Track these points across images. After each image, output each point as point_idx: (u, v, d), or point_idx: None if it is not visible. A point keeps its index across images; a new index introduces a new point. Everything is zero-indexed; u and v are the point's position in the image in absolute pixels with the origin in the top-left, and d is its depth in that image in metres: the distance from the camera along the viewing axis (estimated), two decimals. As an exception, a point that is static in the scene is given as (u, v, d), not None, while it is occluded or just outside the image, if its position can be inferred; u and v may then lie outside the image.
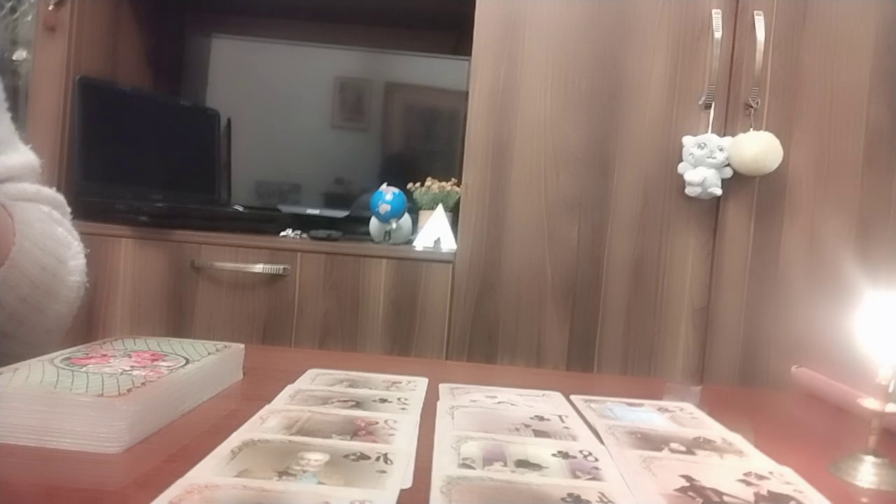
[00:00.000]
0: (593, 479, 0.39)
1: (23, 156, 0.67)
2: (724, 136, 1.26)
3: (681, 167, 1.26)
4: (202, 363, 0.50)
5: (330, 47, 1.64)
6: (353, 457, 0.39)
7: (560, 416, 0.51)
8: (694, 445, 0.47)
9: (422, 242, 1.37)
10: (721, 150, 1.23)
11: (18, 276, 0.57)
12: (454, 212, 1.39)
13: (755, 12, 1.25)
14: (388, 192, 1.35)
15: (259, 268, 1.28)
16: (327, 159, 1.65)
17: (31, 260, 0.58)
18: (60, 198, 0.70)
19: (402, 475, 0.37)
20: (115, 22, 1.53)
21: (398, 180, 1.43)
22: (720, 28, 1.25)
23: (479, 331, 1.29)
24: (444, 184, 1.45)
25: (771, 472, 0.42)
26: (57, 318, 0.63)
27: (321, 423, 0.45)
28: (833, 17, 1.27)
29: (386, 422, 0.47)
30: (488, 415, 0.51)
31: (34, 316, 0.60)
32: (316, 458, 0.39)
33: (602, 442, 0.46)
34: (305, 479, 0.36)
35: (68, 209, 0.72)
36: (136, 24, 1.62)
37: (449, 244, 1.36)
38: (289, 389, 0.54)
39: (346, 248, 1.30)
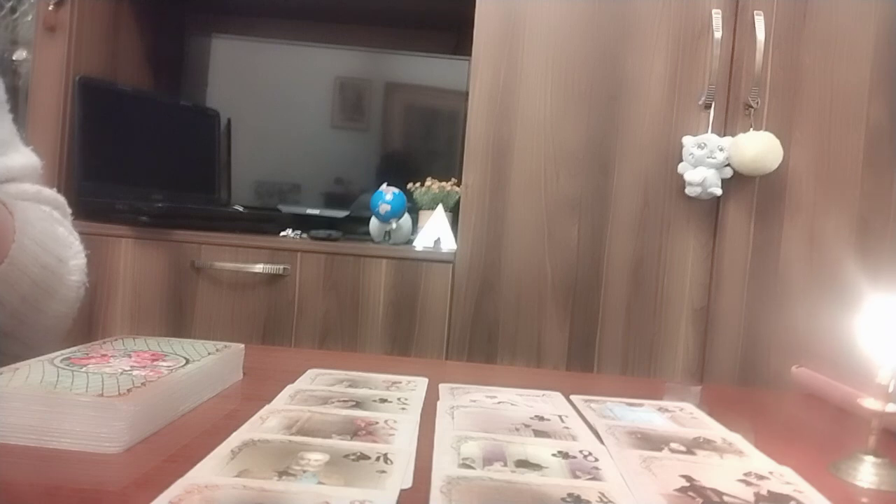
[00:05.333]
0: (593, 479, 0.39)
1: (24, 157, 0.67)
2: (724, 136, 1.26)
3: (681, 167, 1.26)
4: (202, 363, 0.50)
5: (330, 47, 1.64)
6: (353, 457, 0.39)
7: (560, 416, 0.51)
8: (694, 445, 0.47)
9: (422, 242, 1.37)
10: (721, 150, 1.23)
11: (18, 273, 0.57)
12: (454, 212, 1.39)
13: (755, 12, 1.25)
14: (388, 192, 1.35)
15: (259, 268, 1.28)
16: (327, 159, 1.65)
17: (31, 258, 0.58)
18: (61, 199, 0.70)
19: (402, 475, 0.37)
20: (115, 22, 1.53)
21: (398, 180, 1.43)
22: (720, 28, 1.25)
23: (479, 331, 1.29)
24: (444, 184, 1.45)
25: (771, 472, 0.42)
26: (56, 317, 0.63)
27: (321, 423, 0.45)
28: (833, 17, 1.27)
29: (386, 422, 0.47)
30: (488, 415, 0.51)
31: (34, 315, 0.60)
32: (316, 458, 0.39)
33: (602, 442, 0.46)
34: (305, 479, 0.36)
35: (69, 210, 0.72)
36: (136, 24, 1.62)
37: (449, 244, 1.36)
38: (289, 389, 0.54)
39: (346, 248, 1.30)
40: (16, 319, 0.59)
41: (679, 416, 0.55)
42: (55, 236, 0.63)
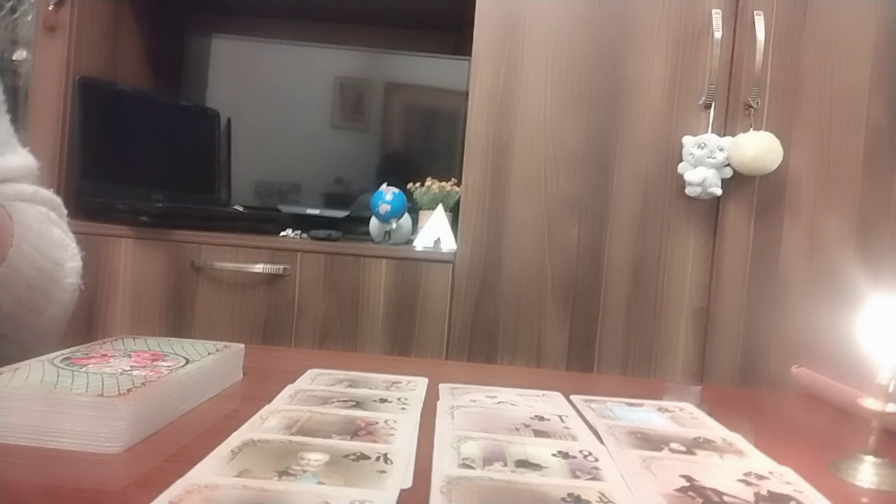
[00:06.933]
0: (593, 479, 0.39)
1: (21, 158, 0.67)
2: (724, 136, 1.26)
3: (681, 167, 1.26)
4: (202, 363, 0.50)
5: (330, 47, 1.64)
6: (353, 457, 0.39)
7: (560, 416, 0.51)
8: (694, 445, 0.47)
9: (422, 242, 1.37)
10: (721, 150, 1.23)
11: (14, 276, 0.57)
12: (454, 212, 1.39)
13: (755, 12, 1.25)
14: (388, 192, 1.35)
15: (259, 268, 1.28)
16: (327, 159, 1.65)
17: (27, 261, 0.58)
18: (57, 200, 0.70)
19: (402, 475, 0.37)
20: (115, 22, 1.53)
21: (398, 180, 1.43)
22: (720, 28, 1.25)
23: (479, 331, 1.29)
24: (444, 184, 1.45)
25: (771, 472, 0.42)
26: (52, 320, 0.63)
27: (321, 423, 0.45)
28: (833, 17, 1.27)
29: (386, 422, 0.47)
30: (488, 415, 0.51)
31: (30, 318, 0.60)
32: (316, 458, 0.39)
33: (602, 442, 0.46)
34: (305, 479, 0.36)
35: (65, 211, 0.71)
36: (136, 24, 1.62)
37: (449, 244, 1.36)
38: (289, 389, 0.54)
39: (346, 248, 1.30)
40: (12, 322, 0.59)
41: (679, 416, 0.55)
42: (52, 239, 0.63)
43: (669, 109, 1.28)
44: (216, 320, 1.29)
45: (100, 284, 1.27)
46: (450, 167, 1.56)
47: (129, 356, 0.50)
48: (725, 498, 0.37)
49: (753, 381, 1.28)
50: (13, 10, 1.47)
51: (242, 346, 0.58)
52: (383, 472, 0.37)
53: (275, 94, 1.64)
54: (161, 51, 1.71)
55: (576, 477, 0.39)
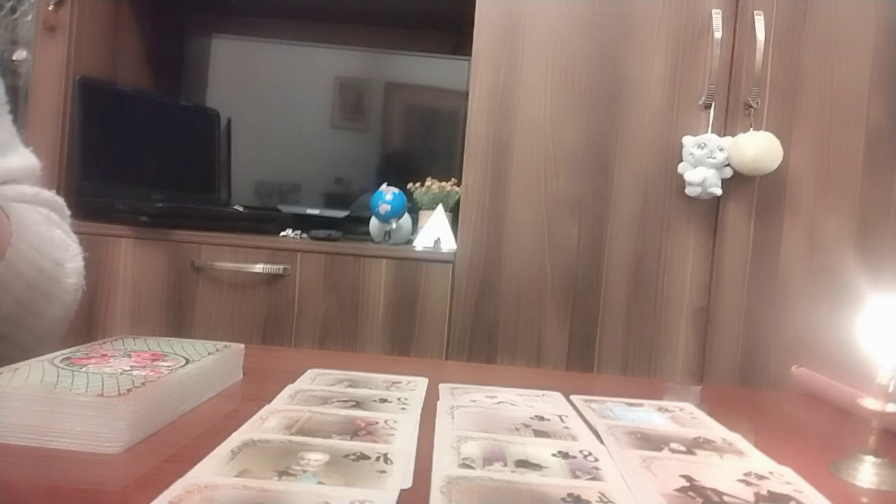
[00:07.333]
0: (593, 479, 0.39)
1: (23, 158, 0.67)
2: (724, 136, 1.26)
3: (681, 167, 1.26)
4: (202, 363, 0.50)
5: (330, 47, 1.64)
6: (353, 457, 0.39)
7: (560, 416, 0.51)
8: (694, 445, 0.47)
9: (422, 242, 1.37)
10: (721, 150, 1.23)
11: (13, 277, 0.57)
12: (454, 212, 1.39)
13: (755, 12, 1.25)
14: (388, 192, 1.35)
15: (259, 268, 1.28)
16: (327, 159, 1.65)
17: (26, 262, 0.58)
18: (60, 200, 0.70)
19: (402, 475, 0.37)
20: (115, 22, 1.53)
21: (398, 180, 1.43)
22: (720, 28, 1.25)
23: (479, 331, 1.29)
24: (444, 184, 1.45)
25: (771, 472, 0.42)
26: (53, 320, 0.63)
27: (321, 423, 0.45)
28: (833, 17, 1.27)
29: (386, 422, 0.47)
30: (488, 415, 0.51)
31: (30, 318, 0.60)
32: (316, 458, 0.39)
33: (602, 442, 0.46)
34: (305, 479, 0.36)
35: (68, 212, 0.71)
36: (136, 24, 1.62)
37: (449, 244, 1.36)
38: (289, 389, 0.54)
39: (346, 248, 1.30)
40: (11, 323, 0.59)
41: (679, 416, 0.55)
42: (52, 239, 0.63)
43: (669, 109, 1.28)
44: (216, 320, 1.29)
45: (100, 284, 1.27)
46: (450, 167, 1.56)
47: (129, 356, 0.50)
48: (725, 498, 0.37)
49: (753, 381, 1.28)
50: (13, 10, 1.47)
51: (242, 346, 0.58)
52: (383, 472, 0.37)
53: (275, 94, 1.64)
54: (161, 51, 1.71)
55: (576, 477, 0.39)
